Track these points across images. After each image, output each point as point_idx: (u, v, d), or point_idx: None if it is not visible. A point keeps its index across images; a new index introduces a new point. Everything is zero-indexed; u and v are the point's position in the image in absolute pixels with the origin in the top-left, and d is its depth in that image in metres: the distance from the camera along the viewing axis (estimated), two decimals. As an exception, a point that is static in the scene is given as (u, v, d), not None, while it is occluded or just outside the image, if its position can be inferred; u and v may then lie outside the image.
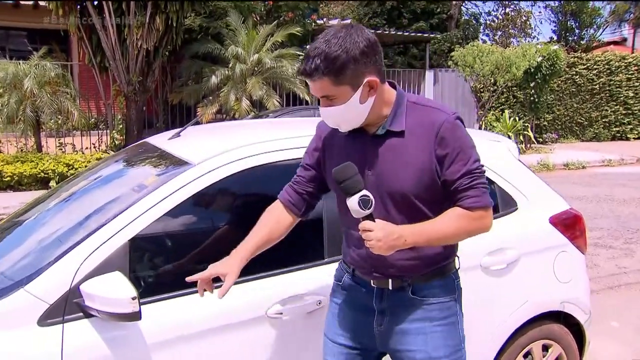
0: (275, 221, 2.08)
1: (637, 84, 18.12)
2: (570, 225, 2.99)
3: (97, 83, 11.45)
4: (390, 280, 1.97)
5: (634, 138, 18.25)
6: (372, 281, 2.00)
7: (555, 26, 27.04)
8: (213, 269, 1.92)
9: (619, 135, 18.25)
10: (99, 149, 11.12)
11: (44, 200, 2.91)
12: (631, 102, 18.05)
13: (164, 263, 2.41)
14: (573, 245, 2.97)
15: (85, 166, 9.75)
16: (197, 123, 3.21)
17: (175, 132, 2.83)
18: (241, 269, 1.96)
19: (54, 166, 9.58)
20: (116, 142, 11.21)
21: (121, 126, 11.36)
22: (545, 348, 2.97)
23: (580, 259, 3.01)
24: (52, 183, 9.40)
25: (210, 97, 12.11)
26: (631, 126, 18.30)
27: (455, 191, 1.87)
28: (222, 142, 2.55)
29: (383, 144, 1.91)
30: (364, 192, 1.78)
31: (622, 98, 18.03)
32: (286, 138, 2.51)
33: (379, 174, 1.87)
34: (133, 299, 1.94)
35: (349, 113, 1.86)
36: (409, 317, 1.97)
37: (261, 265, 2.29)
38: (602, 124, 18.07)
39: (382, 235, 1.76)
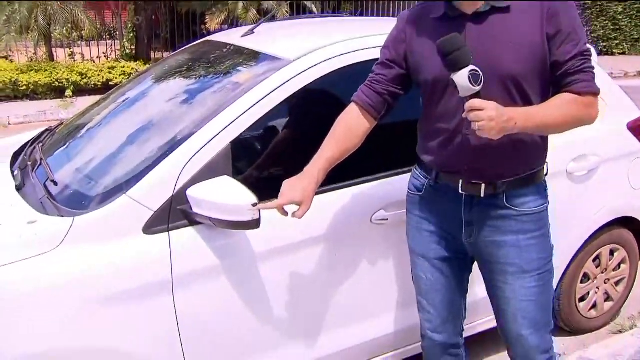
0: (351, 128, 1.79)
1: None
2: (645, 131, 2.79)
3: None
4: (482, 186, 1.71)
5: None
6: (460, 186, 1.73)
7: None
8: (286, 198, 1.66)
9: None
10: (110, 57, 10.50)
11: (108, 104, 2.58)
12: None
13: (264, 168, 2.13)
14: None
15: (99, 75, 9.24)
16: (273, 17, 2.82)
17: (248, 29, 2.47)
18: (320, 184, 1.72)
19: (67, 75, 9.05)
20: (127, 51, 10.59)
21: (132, 35, 10.67)
22: (612, 252, 2.84)
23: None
24: (68, 92, 8.93)
25: (219, 6, 11.37)
26: None
27: (565, 74, 1.61)
28: (311, 39, 2.22)
29: (485, 22, 1.62)
30: (473, 66, 1.50)
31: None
32: (381, 34, 2.17)
33: (482, 57, 1.57)
34: (253, 205, 1.69)
35: None
36: (501, 229, 1.73)
37: (362, 170, 2.07)
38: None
39: (496, 114, 1.48)
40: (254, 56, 2.24)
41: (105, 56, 10.56)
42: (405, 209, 2.04)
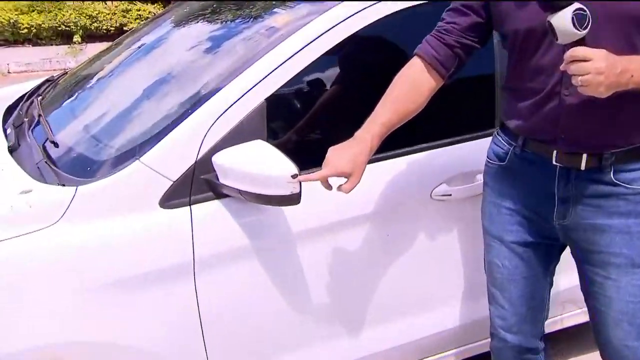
0: (414, 87, 1.52)
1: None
2: None
3: None
4: (584, 157, 1.42)
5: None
6: (555, 156, 1.45)
7: None
8: (332, 168, 1.43)
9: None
10: None
11: (121, 51, 2.31)
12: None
13: (306, 131, 1.87)
14: None
15: (111, 18, 8.94)
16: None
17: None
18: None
19: (75, 18, 8.72)
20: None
21: None
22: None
23: None
24: (76, 38, 8.63)
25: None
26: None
27: None
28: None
29: None
30: (579, 4, 1.21)
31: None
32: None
33: None
34: (293, 177, 1.44)
35: None
36: (606, 210, 1.44)
37: (420, 135, 1.80)
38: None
39: (605, 66, 1.21)
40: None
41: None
42: (472, 182, 1.79)
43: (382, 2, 1.71)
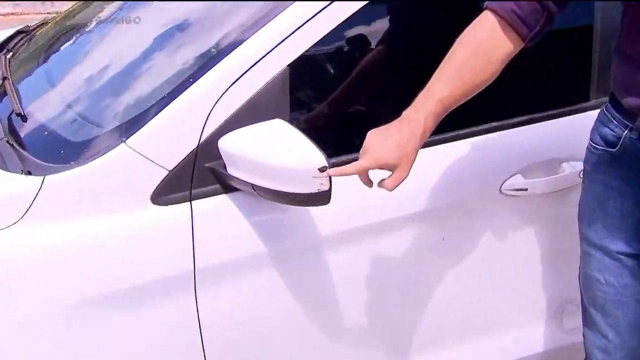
0: (484, 51, 1.19)
1: None
2: None
3: None
4: None
5: None
6: None
7: None
8: (372, 159, 1.15)
9: None
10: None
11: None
12: None
13: (340, 108, 1.54)
14: None
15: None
16: None
17: None
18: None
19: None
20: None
21: None
22: None
23: None
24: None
25: None
26: None
27: None
28: None
29: None
30: None
31: None
32: None
33: None
34: (322, 169, 1.14)
35: None
36: None
37: (484, 111, 1.46)
38: None
39: None
40: None
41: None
42: (555, 173, 1.48)
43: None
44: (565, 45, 1.60)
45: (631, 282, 1.26)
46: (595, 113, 1.33)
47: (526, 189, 1.46)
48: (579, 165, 1.40)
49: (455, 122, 1.40)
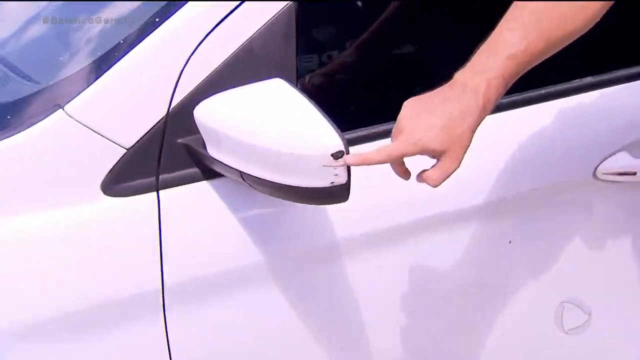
0: None
1: None
2: None
3: None
4: None
5: None
6: None
7: None
8: (410, 142, 0.86)
9: None
10: None
11: None
12: None
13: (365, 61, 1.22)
14: None
15: None
16: None
17: None
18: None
19: None
20: None
21: None
22: None
23: None
24: None
25: None
26: None
27: None
28: None
29: None
30: None
31: None
32: None
33: None
34: (336, 156, 0.84)
35: None
36: None
37: (568, 64, 1.13)
38: None
39: None
40: None
41: None
42: None
43: None
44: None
45: None
46: None
47: (634, 173, 1.16)
48: None
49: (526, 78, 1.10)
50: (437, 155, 0.85)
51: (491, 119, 1.01)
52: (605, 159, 1.15)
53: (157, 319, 0.99)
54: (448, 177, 0.86)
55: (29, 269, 0.95)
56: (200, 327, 1.03)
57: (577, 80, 1.16)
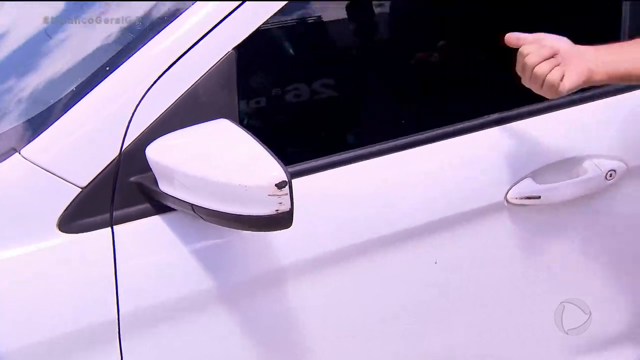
0: None
1: None
2: None
3: None
4: None
5: None
6: None
7: None
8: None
9: None
10: None
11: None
12: None
13: (302, 102, 1.29)
14: None
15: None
16: None
17: None
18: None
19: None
20: None
21: None
22: None
23: None
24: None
25: None
26: None
27: None
28: None
29: None
30: None
31: None
32: None
33: None
34: (280, 186, 0.90)
35: None
36: None
37: (487, 103, 1.28)
38: None
39: None
40: None
41: None
42: (577, 175, 1.28)
43: None
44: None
45: None
46: (625, 97, 1.13)
47: (539, 197, 1.25)
48: (607, 164, 1.18)
49: (447, 115, 1.22)
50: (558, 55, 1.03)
51: (419, 152, 1.12)
52: (513, 185, 1.23)
53: (113, 345, 1.02)
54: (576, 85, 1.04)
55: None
56: (155, 351, 1.05)
57: (486, 116, 1.26)
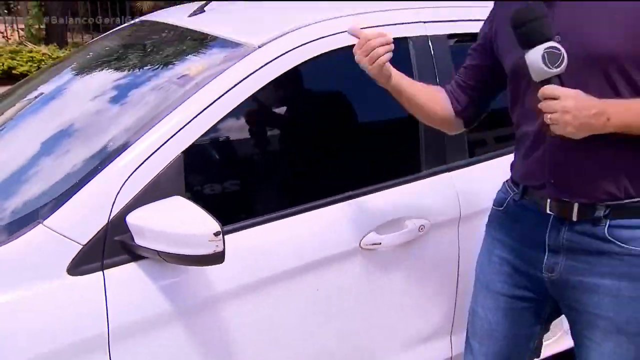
0: (435, 95, 1.66)
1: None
2: None
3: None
4: (575, 206, 1.42)
5: None
6: (548, 204, 1.46)
7: None
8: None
9: None
10: (11, 39, 9.77)
11: (16, 100, 2.25)
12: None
13: (226, 184, 1.87)
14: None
15: (-1, 60, 8.58)
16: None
17: (197, 7, 2.20)
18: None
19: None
20: (33, 32, 9.83)
21: (37, 9, 9.84)
22: None
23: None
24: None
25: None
26: None
27: None
28: (280, 20, 1.97)
29: None
30: (553, 42, 1.31)
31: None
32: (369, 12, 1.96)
33: (573, 35, 1.35)
34: (216, 234, 1.44)
35: None
36: (596, 269, 1.43)
37: (348, 183, 1.86)
38: None
39: (573, 105, 1.28)
40: (207, 41, 1.98)
41: (4, 37, 9.83)
42: (402, 229, 1.86)
43: (301, 47, 1.78)
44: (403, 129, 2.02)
45: (502, 320, 1.60)
46: (426, 183, 1.75)
47: (380, 243, 1.84)
48: (418, 222, 1.80)
49: (325, 191, 1.80)
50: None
51: (303, 216, 1.69)
52: (364, 236, 1.80)
53: (104, 352, 1.47)
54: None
55: (19, 322, 1.41)
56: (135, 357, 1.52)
57: (345, 193, 1.83)
